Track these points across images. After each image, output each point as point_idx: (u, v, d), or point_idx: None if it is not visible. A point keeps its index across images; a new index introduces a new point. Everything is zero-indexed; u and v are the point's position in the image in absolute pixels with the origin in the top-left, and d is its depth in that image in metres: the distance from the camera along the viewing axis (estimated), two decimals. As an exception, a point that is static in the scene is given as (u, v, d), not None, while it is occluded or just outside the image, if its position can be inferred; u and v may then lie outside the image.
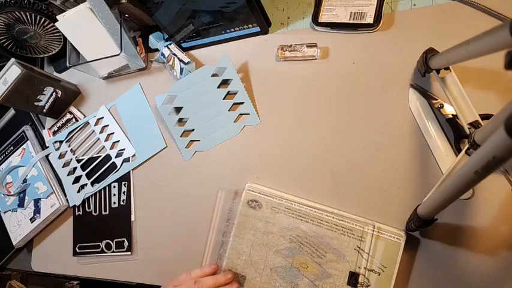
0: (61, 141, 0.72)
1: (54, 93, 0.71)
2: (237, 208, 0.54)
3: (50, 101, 0.71)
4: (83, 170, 0.68)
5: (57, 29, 0.67)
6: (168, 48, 0.64)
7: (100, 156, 0.68)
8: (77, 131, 0.72)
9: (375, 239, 0.46)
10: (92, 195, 0.67)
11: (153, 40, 0.66)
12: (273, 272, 0.50)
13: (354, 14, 0.55)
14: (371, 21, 0.54)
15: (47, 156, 0.72)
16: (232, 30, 0.62)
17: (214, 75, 0.60)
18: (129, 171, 0.65)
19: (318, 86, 0.56)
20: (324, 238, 0.49)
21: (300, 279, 0.48)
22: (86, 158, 0.69)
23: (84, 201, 0.67)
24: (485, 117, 0.43)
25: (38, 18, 0.67)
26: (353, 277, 0.46)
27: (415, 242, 0.46)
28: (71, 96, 0.75)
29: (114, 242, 0.63)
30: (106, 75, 0.72)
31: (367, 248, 0.46)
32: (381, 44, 0.54)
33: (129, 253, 0.61)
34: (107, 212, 0.65)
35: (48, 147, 0.72)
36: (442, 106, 0.48)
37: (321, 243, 0.49)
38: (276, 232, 0.51)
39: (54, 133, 0.74)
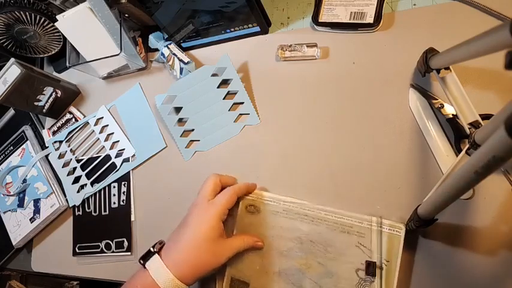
0: (61, 141, 0.72)
1: (53, 93, 0.70)
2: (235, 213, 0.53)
3: (49, 101, 0.71)
4: (83, 170, 0.68)
5: (57, 29, 0.67)
6: (168, 48, 0.64)
7: (100, 156, 0.68)
8: (77, 131, 0.72)
9: (376, 234, 0.46)
10: (91, 195, 0.67)
11: (153, 40, 0.66)
12: (275, 275, 0.49)
13: (354, 13, 0.55)
14: (371, 21, 0.54)
15: (46, 156, 0.72)
16: (232, 30, 0.62)
17: (214, 75, 0.60)
18: (129, 171, 0.65)
19: (318, 86, 0.56)
20: (325, 237, 0.48)
21: (303, 281, 0.48)
22: (85, 158, 0.69)
23: (84, 201, 0.67)
24: (486, 117, 0.43)
25: (37, 18, 0.67)
26: (358, 273, 0.46)
27: (415, 242, 0.46)
28: (71, 96, 0.75)
29: (114, 242, 0.62)
30: (106, 75, 0.72)
31: (368, 243, 0.46)
32: (381, 44, 0.54)
33: (129, 253, 0.61)
34: (107, 212, 0.65)
35: (47, 147, 0.72)
36: (442, 106, 0.48)
37: (322, 242, 0.48)
38: (276, 235, 0.51)
39: (54, 133, 0.74)
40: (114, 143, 0.68)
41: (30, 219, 0.69)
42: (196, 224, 0.47)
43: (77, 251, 0.65)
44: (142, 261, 0.46)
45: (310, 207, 0.50)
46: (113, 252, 0.62)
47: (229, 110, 0.60)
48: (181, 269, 0.44)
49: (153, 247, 0.47)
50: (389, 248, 0.45)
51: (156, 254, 0.45)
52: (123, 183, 0.65)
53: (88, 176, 0.67)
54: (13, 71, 0.63)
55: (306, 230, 0.49)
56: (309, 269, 0.48)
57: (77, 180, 0.68)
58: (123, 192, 0.65)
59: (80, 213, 0.67)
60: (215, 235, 0.46)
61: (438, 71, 0.45)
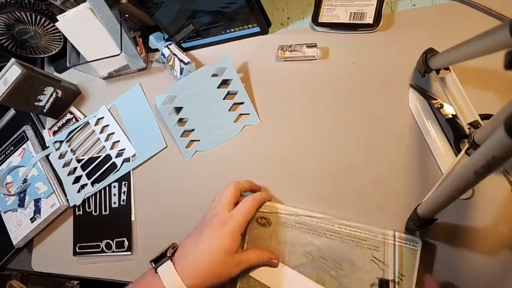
0: (61, 141, 0.72)
1: (54, 93, 0.71)
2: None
3: (50, 101, 0.71)
4: (83, 170, 0.68)
5: (57, 29, 0.67)
6: (168, 49, 0.64)
7: (100, 156, 0.68)
8: (77, 131, 0.72)
9: (391, 247, 0.45)
10: (92, 195, 0.67)
11: (153, 40, 0.66)
12: None
13: (354, 14, 0.55)
14: (371, 22, 0.54)
15: (47, 156, 0.72)
16: (232, 30, 0.62)
17: (214, 75, 0.60)
18: (129, 171, 0.65)
19: (318, 86, 0.56)
20: (338, 251, 0.47)
21: None
22: (86, 158, 0.69)
23: (84, 201, 0.67)
24: (485, 117, 0.43)
25: (38, 18, 0.68)
26: None
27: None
28: (71, 96, 0.75)
29: (114, 242, 0.63)
30: (106, 75, 0.72)
31: (383, 257, 0.45)
32: (380, 44, 0.54)
33: (129, 253, 0.61)
34: (107, 212, 0.65)
35: (48, 147, 0.73)
36: (441, 106, 0.48)
37: (335, 256, 0.47)
38: (287, 249, 0.49)
39: (55, 133, 0.74)
40: (114, 143, 0.68)
41: (30, 219, 0.69)
42: (215, 236, 0.45)
43: (78, 250, 0.65)
44: (154, 265, 0.45)
45: (324, 220, 0.48)
46: (114, 251, 0.62)
47: (229, 110, 0.60)
48: (193, 279, 0.43)
49: (167, 251, 0.46)
50: (404, 262, 0.44)
51: (170, 261, 0.44)
52: (123, 183, 0.65)
53: (88, 175, 0.67)
54: (14, 71, 0.63)
55: (319, 244, 0.47)
56: (323, 285, 0.46)
57: (77, 180, 0.68)
58: (124, 192, 0.65)
59: (81, 213, 0.67)
60: (233, 249, 0.45)
61: (438, 71, 0.45)
